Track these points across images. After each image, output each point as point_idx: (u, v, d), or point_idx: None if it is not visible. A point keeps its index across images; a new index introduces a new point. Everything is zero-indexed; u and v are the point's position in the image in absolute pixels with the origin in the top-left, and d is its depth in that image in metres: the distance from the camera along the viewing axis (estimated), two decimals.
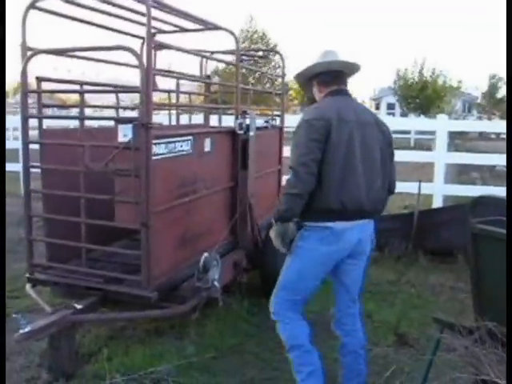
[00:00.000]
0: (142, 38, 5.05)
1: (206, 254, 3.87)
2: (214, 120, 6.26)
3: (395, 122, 12.84)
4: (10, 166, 10.59)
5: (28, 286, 4.09)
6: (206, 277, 3.82)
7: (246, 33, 30.73)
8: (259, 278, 4.97)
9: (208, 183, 4.36)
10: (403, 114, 33.19)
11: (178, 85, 3.61)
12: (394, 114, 39.78)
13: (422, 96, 29.76)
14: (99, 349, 3.98)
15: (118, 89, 4.32)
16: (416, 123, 11.47)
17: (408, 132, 26.05)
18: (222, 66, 27.62)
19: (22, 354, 3.96)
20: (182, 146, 3.90)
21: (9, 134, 21.81)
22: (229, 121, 5.44)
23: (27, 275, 4.03)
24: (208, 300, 3.92)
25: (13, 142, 11.94)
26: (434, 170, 12.84)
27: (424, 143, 24.85)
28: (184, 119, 6.22)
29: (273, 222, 3.12)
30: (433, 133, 23.70)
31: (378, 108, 45.84)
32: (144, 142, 3.37)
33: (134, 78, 4.89)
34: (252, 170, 4.85)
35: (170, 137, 3.75)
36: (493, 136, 30.30)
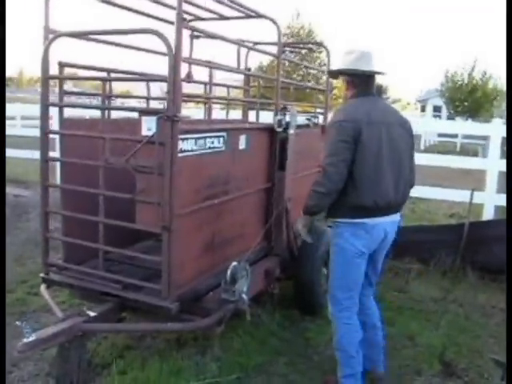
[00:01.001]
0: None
1: (234, 263, 3.50)
2: (252, 116, 5.90)
3: (447, 126, 12.27)
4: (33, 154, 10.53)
5: (42, 287, 3.81)
6: (234, 289, 3.45)
7: (291, 29, 30.18)
8: (293, 288, 4.57)
9: (241, 184, 3.99)
10: (450, 117, 32.17)
11: (211, 75, 3.27)
12: (440, 117, 38.63)
13: (470, 99, 28.75)
14: (113, 360, 3.66)
15: (145, 77, 4.00)
16: (469, 127, 10.82)
17: (455, 136, 25.20)
18: (266, 61, 27.23)
19: (32, 360, 3.66)
20: (213, 143, 3.53)
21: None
22: (268, 117, 5.08)
23: (42, 275, 3.75)
24: (235, 312, 3.56)
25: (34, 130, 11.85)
26: (481, 177, 12.29)
27: (470, 148, 24.01)
28: (222, 114, 5.87)
29: (301, 213, 3.34)
30: (480, 137, 22.88)
31: (423, 110, 44.65)
32: (169, 136, 3.01)
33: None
34: (290, 171, 4.46)
35: (201, 132, 3.38)
36: None
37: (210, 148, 3.50)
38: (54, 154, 4.07)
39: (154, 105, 4.40)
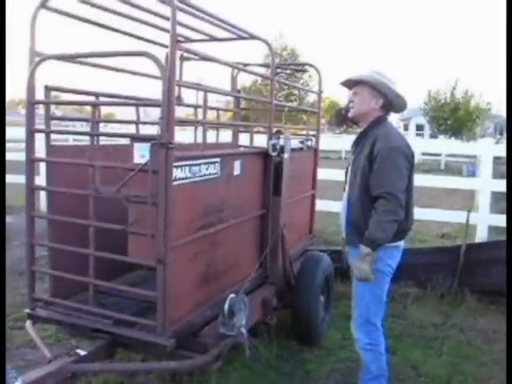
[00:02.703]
0: (166, 46, 4.61)
1: (231, 295, 3.33)
2: (241, 138, 5.76)
3: (436, 145, 12.26)
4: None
5: (28, 323, 3.59)
6: (232, 322, 3.27)
7: (274, 50, 30.36)
8: (290, 318, 4.40)
9: (236, 211, 3.83)
10: (433, 136, 32.38)
11: (205, 99, 3.13)
12: (423, 136, 38.96)
13: (453, 118, 28.97)
14: None
15: (137, 102, 3.84)
16: (460, 147, 10.81)
17: (439, 154, 25.32)
18: (249, 82, 27.27)
19: None
20: (207, 169, 3.38)
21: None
22: (257, 140, 4.97)
23: (27, 311, 3.53)
24: (233, 345, 3.38)
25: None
26: (466, 196, 12.27)
27: (455, 166, 24.14)
28: (211, 137, 5.74)
29: (364, 251, 3.11)
30: (464, 156, 22.97)
31: (406, 129, 44.87)
32: (163, 164, 2.85)
33: (157, 90, 4.45)
34: (285, 196, 4.32)
35: (195, 158, 3.22)
36: None
37: (204, 175, 3.34)
38: (39, 179, 3.88)
39: (141, 129, 4.24)
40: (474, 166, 17.71)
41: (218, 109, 4.95)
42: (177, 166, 2.98)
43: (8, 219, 8.31)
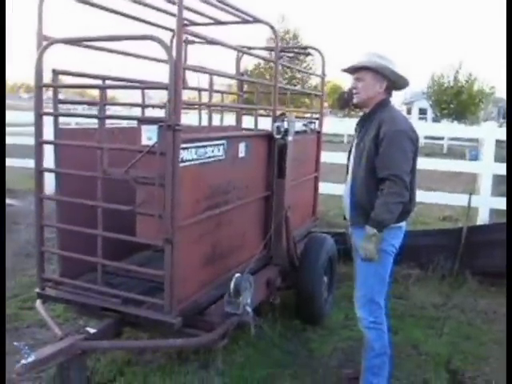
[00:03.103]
0: (172, 30, 4.64)
1: (237, 275, 3.40)
2: (245, 121, 5.80)
3: (438, 128, 12.23)
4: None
5: (38, 302, 3.67)
6: (237, 301, 3.35)
7: (277, 33, 30.15)
8: (294, 298, 4.48)
9: (241, 193, 3.89)
10: (436, 120, 32.30)
11: (211, 82, 3.16)
12: (426, 120, 38.85)
13: (456, 101, 28.81)
14: (114, 377, 3.55)
15: (144, 85, 3.88)
16: (463, 131, 10.82)
17: (441, 138, 25.30)
18: (251, 66, 27.18)
19: (29, 380, 3.52)
20: (213, 151, 3.43)
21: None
22: (260, 123, 5.02)
23: (37, 290, 3.61)
24: (238, 324, 3.46)
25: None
26: (468, 179, 12.30)
27: (457, 149, 24.13)
28: (215, 120, 5.78)
29: (370, 232, 3.16)
30: (466, 139, 22.92)
31: (409, 113, 44.75)
32: (171, 146, 2.91)
33: (162, 74, 4.49)
34: (289, 179, 4.38)
35: (201, 140, 3.27)
36: None
37: (210, 157, 3.39)
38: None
39: (150, 113, 4.29)
40: (477, 149, 17.70)
41: (222, 92, 4.98)
42: (184, 148, 3.04)
43: (14, 202, 8.40)
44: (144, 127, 3.08)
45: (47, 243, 6.33)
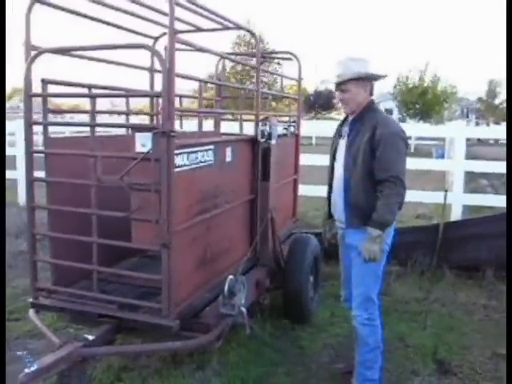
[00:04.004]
0: (152, 37, 4.70)
1: (230, 277, 3.48)
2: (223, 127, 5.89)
3: (409, 128, 12.47)
4: (7, 174, 10.22)
5: (31, 312, 3.67)
6: (232, 302, 3.43)
7: (242, 38, 30.34)
8: (282, 298, 4.58)
9: (229, 197, 3.96)
10: (402, 120, 32.82)
11: (200, 90, 3.22)
12: None
13: (421, 101, 29.33)
14: (112, 382, 3.59)
15: (136, 93, 3.93)
16: (433, 130, 11.09)
17: (408, 138, 25.66)
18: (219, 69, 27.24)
19: None
20: (203, 156, 3.50)
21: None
22: (235, 128, 5.11)
23: (30, 300, 3.61)
24: (232, 325, 3.54)
25: (8, 149, 11.50)
26: (436, 177, 12.59)
27: (423, 148, 24.59)
28: (192, 125, 5.85)
29: (374, 233, 3.24)
30: (431, 138, 23.35)
31: None
32: (165, 152, 2.97)
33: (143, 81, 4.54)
34: (273, 181, 4.47)
35: (193, 146, 3.34)
36: (491, 142, 30.07)
37: (200, 162, 3.47)
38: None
39: (132, 121, 4.33)
40: (443, 148, 18.12)
41: (210, 99, 5.02)
42: (177, 154, 3.10)
43: None
44: (138, 134, 3.14)
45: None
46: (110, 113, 4.32)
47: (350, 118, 3.55)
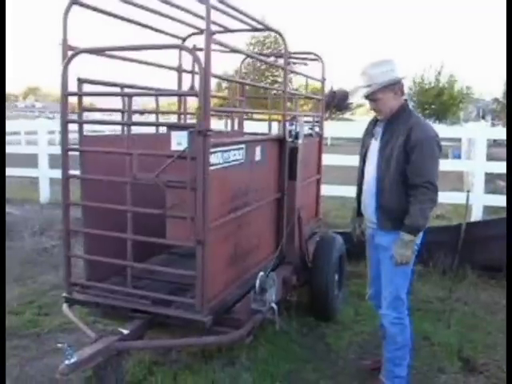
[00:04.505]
0: (180, 37, 4.77)
1: (261, 274, 3.54)
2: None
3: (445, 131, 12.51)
4: (28, 172, 10.38)
5: (65, 306, 3.75)
6: (263, 298, 3.49)
7: (257, 38, 30.39)
8: (308, 295, 4.63)
9: (258, 195, 4.02)
10: None
11: (234, 90, 3.28)
12: None
13: (438, 102, 29.15)
14: (144, 376, 3.66)
15: (174, 92, 4.00)
16: (453, 131, 11.08)
17: None
18: (231, 70, 27.36)
19: (60, 382, 3.61)
20: (235, 155, 3.56)
21: (19, 138, 21.69)
22: (257, 127, 5.15)
23: (64, 295, 3.69)
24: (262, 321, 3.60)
25: (30, 147, 11.67)
26: (454, 177, 12.57)
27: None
28: (219, 125, 5.92)
29: (407, 238, 3.28)
30: (449, 139, 23.31)
31: None
32: (201, 150, 3.03)
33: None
34: (299, 180, 4.53)
35: (226, 145, 3.41)
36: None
37: (232, 160, 3.53)
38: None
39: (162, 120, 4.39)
40: (459, 149, 18.07)
41: (245, 98, 5.07)
42: (212, 152, 3.16)
43: (12, 211, 8.42)
44: (174, 133, 3.20)
45: (51, 250, 6.44)
46: (141, 112, 4.39)
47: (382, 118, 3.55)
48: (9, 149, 12.47)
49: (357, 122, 35.30)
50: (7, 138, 20.77)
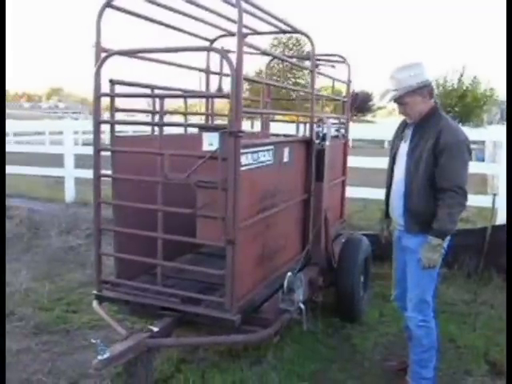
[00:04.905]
0: (208, 39, 4.82)
1: (289, 274, 3.58)
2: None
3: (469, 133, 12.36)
4: (53, 171, 10.54)
5: (95, 303, 3.82)
6: (291, 298, 3.53)
7: (278, 39, 30.44)
8: (334, 296, 4.66)
9: (285, 196, 4.06)
10: None
11: (265, 91, 3.32)
12: None
13: (461, 104, 28.79)
14: (172, 373, 3.71)
15: (206, 94, 4.05)
16: (479, 133, 10.94)
17: None
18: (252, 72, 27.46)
19: (91, 377, 3.69)
20: (264, 156, 3.61)
21: (43, 138, 22.02)
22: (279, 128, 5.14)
23: (95, 292, 3.76)
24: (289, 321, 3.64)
25: (56, 147, 11.85)
26: (476, 180, 12.48)
27: None
28: (245, 126, 5.95)
29: (434, 242, 3.29)
30: (472, 142, 23.14)
31: None
32: (232, 151, 3.08)
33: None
34: (326, 182, 4.56)
35: (255, 146, 3.45)
36: None
37: (261, 161, 3.57)
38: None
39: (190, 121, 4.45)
40: (483, 152, 17.92)
41: (281, 99, 5.11)
42: (242, 153, 3.21)
43: (40, 208, 8.55)
44: (205, 134, 3.25)
45: (78, 249, 6.53)
46: (173, 113, 4.45)
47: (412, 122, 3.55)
48: (34, 149, 12.74)
49: (378, 124, 35.18)
50: (32, 137, 21.17)
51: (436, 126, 3.36)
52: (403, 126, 3.66)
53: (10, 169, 11.02)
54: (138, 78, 4.02)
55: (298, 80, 27.48)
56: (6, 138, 20.46)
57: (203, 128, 3.42)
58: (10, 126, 21.28)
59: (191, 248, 4.44)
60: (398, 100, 3.48)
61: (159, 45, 3.32)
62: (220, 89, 4.77)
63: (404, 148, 3.55)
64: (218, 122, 5.39)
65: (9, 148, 14.75)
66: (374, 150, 22.37)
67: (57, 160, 10.67)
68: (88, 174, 9.19)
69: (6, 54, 3.87)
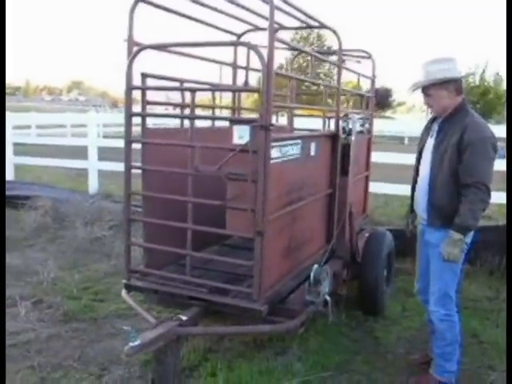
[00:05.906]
0: (234, 34, 4.87)
1: (316, 266, 3.63)
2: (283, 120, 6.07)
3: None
4: (77, 164, 10.68)
5: (124, 292, 3.90)
6: (318, 290, 3.57)
7: (300, 33, 30.36)
8: (357, 290, 4.70)
9: (311, 189, 4.10)
10: None
11: (293, 86, 3.36)
12: None
13: (482, 101, 28.55)
14: (199, 362, 3.78)
15: (237, 88, 4.10)
16: (500, 130, 10.83)
17: None
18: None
19: (121, 364, 3.77)
20: (292, 149, 3.65)
21: (65, 130, 22.27)
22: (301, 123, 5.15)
23: (124, 281, 3.83)
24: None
25: (80, 140, 11.99)
26: (496, 177, 12.38)
27: None
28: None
29: (456, 237, 3.30)
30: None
31: None
32: (263, 144, 3.13)
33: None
34: (351, 176, 4.59)
35: (284, 140, 3.50)
36: None
37: (290, 155, 3.62)
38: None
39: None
40: (504, 149, 17.73)
41: (306, 93, 5.16)
42: (272, 147, 3.26)
43: (65, 201, 8.65)
44: (236, 127, 3.30)
45: (102, 240, 6.62)
46: (204, 106, 4.50)
47: (440, 117, 3.58)
48: (56, 141, 12.90)
49: (398, 120, 34.98)
50: (54, 130, 21.39)
51: (462, 121, 3.38)
52: (431, 121, 3.69)
53: (33, 160, 11.25)
54: (167, 72, 4.10)
55: (319, 75, 27.44)
56: (29, 131, 20.79)
57: (234, 121, 3.46)
58: (34, 118, 21.62)
59: (218, 239, 4.51)
60: (424, 90, 3.52)
61: (186, 39, 3.39)
62: (246, 83, 4.82)
63: (430, 143, 3.59)
64: (243, 115, 5.46)
65: (33, 140, 15.05)
66: (393, 145, 22.29)
67: (78, 152, 10.80)
68: (111, 166, 9.41)
69: (5, 54, 3.93)
